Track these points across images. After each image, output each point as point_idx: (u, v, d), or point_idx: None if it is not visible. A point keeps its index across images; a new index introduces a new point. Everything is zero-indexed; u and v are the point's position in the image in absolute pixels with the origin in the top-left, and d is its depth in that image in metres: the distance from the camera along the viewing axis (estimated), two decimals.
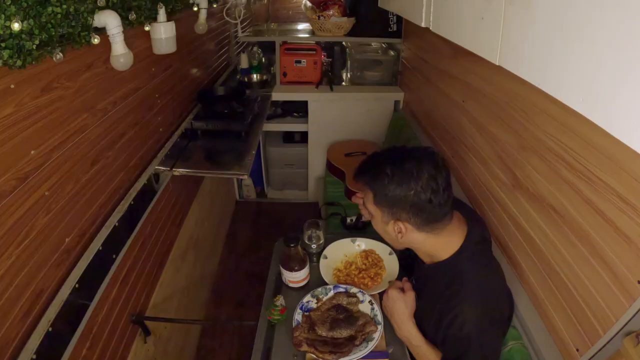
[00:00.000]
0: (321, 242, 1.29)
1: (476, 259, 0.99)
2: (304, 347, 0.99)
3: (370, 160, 1.02)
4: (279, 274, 1.21)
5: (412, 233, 0.98)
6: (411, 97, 2.42)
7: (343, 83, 2.79)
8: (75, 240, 1.00)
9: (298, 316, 1.07)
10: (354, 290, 1.13)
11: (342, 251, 1.31)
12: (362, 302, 1.11)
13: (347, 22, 2.50)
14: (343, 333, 1.03)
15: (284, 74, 2.61)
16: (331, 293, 1.14)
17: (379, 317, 1.06)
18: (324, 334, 1.03)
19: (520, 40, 0.66)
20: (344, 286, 1.15)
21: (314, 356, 0.98)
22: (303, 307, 1.10)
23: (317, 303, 1.12)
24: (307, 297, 1.13)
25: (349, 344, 0.99)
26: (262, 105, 2.25)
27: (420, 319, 1.04)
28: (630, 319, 0.77)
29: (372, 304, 1.09)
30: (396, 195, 0.94)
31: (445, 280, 0.98)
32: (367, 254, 1.30)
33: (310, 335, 1.02)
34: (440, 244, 1.00)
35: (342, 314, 1.07)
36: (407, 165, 0.94)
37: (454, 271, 0.97)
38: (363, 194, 1.05)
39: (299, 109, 2.71)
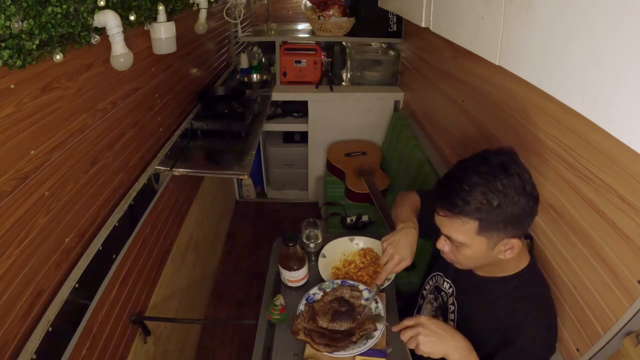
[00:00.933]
0: (319, 241, 1.29)
1: (542, 276, 0.96)
2: (301, 336, 0.99)
3: (461, 189, 0.81)
4: (278, 274, 1.21)
5: (519, 248, 0.86)
6: (411, 97, 2.42)
7: (343, 83, 2.79)
8: (75, 240, 1.00)
9: (302, 306, 1.09)
10: (361, 287, 1.13)
11: (341, 250, 1.31)
12: (366, 299, 1.11)
13: (347, 22, 2.51)
14: (343, 325, 1.03)
15: (284, 74, 2.61)
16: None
17: (382, 315, 1.06)
18: (324, 324, 1.03)
19: (520, 40, 0.66)
20: (352, 282, 1.15)
21: (312, 350, 0.98)
22: (309, 298, 1.12)
23: (322, 295, 1.13)
24: (314, 290, 1.14)
25: (346, 339, 0.99)
26: (262, 105, 2.25)
27: (472, 331, 0.95)
28: (630, 319, 0.77)
29: (377, 302, 1.09)
30: (515, 210, 0.80)
31: (513, 297, 0.91)
32: (365, 252, 1.30)
33: (310, 325, 1.03)
34: (517, 255, 0.90)
35: (345, 306, 1.07)
36: (512, 170, 0.80)
37: (526, 289, 0.91)
38: (454, 232, 0.86)
39: (299, 109, 2.71)
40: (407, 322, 0.89)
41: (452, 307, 1.05)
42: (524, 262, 0.94)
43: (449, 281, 1.08)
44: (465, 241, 0.85)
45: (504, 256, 0.87)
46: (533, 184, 0.83)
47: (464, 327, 1.00)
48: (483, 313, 0.97)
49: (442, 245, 0.92)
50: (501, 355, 0.89)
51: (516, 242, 0.85)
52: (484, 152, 0.85)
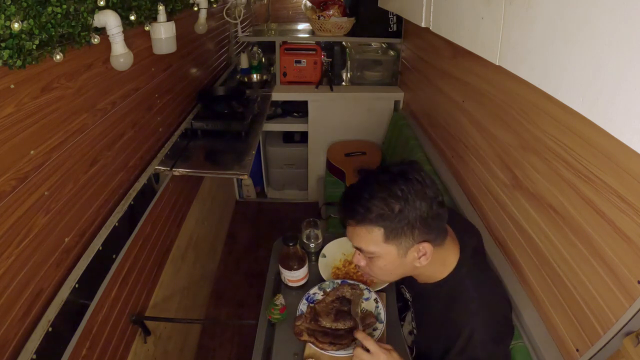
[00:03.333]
0: (319, 241, 1.29)
1: (475, 273, 0.95)
2: (305, 337, 0.99)
3: (360, 197, 0.84)
4: (278, 274, 1.21)
5: (431, 252, 0.88)
6: (411, 97, 2.42)
7: (343, 83, 2.79)
8: (75, 240, 1.00)
9: (303, 306, 1.08)
10: (362, 286, 1.14)
11: (341, 250, 1.31)
12: (366, 299, 1.11)
13: (347, 22, 2.50)
14: (347, 324, 1.03)
15: (284, 74, 2.61)
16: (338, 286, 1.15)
17: (382, 316, 1.06)
18: (328, 325, 1.04)
19: (520, 40, 0.66)
20: (352, 282, 1.15)
21: (313, 348, 0.98)
22: (309, 298, 1.11)
23: (322, 295, 1.13)
24: (314, 289, 1.14)
25: (350, 336, 1.00)
26: (262, 105, 2.25)
27: (425, 341, 0.99)
28: (630, 319, 0.77)
29: (377, 302, 1.10)
30: (418, 214, 0.82)
31: (447, 300, 0.92)
32: None
33: (312, 326, 1.03)
34: (441, 260, 0.93)
35: (347, 306, 1.07)
36: (410, 175, 0.83)
37: (456, 290, 0.92)
38: (363, 242, 0.87)
39: (299, 109, 2.71)
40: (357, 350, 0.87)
41: (412, 315, 1.07)
42: (451, 264, 0.93)
43: (408, 291, 1.10)
44: (375, 250, 0.86)
45: (420, 263, 0.88)
46: (437, 189, 0.85)
47: (421, 332, 1.02)
48: (428, 318, 0.98)
49: (358, 259, 0.92)
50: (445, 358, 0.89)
51: (428, 247, 0.86)
52: (385, 165, 0.89)
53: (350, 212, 0.85)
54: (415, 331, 1.05)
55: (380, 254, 0.87)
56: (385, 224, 0.83)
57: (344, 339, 0.99)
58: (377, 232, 0.84)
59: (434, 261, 0.90)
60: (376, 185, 0.84)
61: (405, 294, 1.12)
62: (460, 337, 0.87)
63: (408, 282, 1.07)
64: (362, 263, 0.92)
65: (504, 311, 0.93)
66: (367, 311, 1.07)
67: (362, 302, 1.10)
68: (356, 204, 0.84)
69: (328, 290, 1.14)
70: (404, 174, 0.83)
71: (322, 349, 0.96)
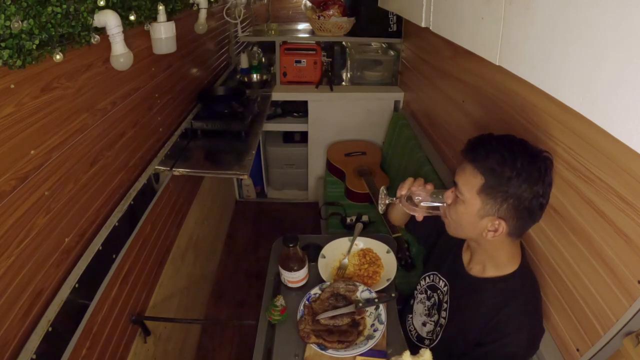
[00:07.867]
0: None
1: (533, 279, 0.97)
2: (313, 339, 0.99)
3: (488, 144, 0.87)
4: (278, 274, 1.21)
5: (502, 236, 0.89)
6: (411, 97, 2.42)
7: (343, 83, 2.79)
8: (75, 240, 1.00)
9: (301, 311, 1.09)
10: (362, 286, 1.14)
11: (340, 250, 1.31)
12: (366, 299, 1.11)
13: (347, 22, 2.50)
14: (344, 320, 1.04)
15: (284, 74, 2.61)
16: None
17: (383, 317, 1.06)
18: (327, 322, 1.04)
19: (520, 40, 0.66)
20: (354, 282, 1.16)
21: (314, 349, 0.98)
22: (310, 298, 1.12)
23: (319, 294, 1.13)
24: (315, 290, 1.14)
25: (354, 330, 1.00)
26: (262, 105, 2.25)
27: (460, 329, 1.00)
28: (630, 319, 0.77)
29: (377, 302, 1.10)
30: (517, 194, 0.83)
31: (501, 300, 0.94)
32: (364, 252, 1.30)
33: (315, 326, 1.03)
34: (507, 256, 0.95)
35: (342, 302, 1.08)
36: (538, 164, 0.84)
37: (515, 291, 0.94)
38: (462, 180, 0.90)
39: (299, 109, 2.71)
40: None
41: (445, 305, 1.06)
42: (515, 264, 0.96)
43: (444, 279, 1.10)
44: (466, 195, 0.89)
45: (486, 235, 0.90)
46: (548, 192, 0.85)
47: (454, 324, 1.02)
48: (472, 311, 0.98)
49: (448, 195, 0.95)
50: (474, 353, 0.94)
51: (503, 227, 0.87)
52: (526, 141, 0.88)
53: (473, 148, 0.89)
54: (444, 320, 1.05)
55: (466, 200, 0.89)
56: (488, 177, 0.85)
57: (349, 334, 0.99)
58: (479, 180, 0.86)
59: (503, 251, 0.94)
60: (508, 144, 0.86)
61: (439, 282, 1.11)
62: (498, 341, 0.91)
63: (450, 271, 1.08)
64: (449, 201, 0.95)
65: (540, 335, 0.95)
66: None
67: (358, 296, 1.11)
68: (481, 146, 0.88)
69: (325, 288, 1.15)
70: (534, 156, 0.84)
71: (332, 348, 0.97)
